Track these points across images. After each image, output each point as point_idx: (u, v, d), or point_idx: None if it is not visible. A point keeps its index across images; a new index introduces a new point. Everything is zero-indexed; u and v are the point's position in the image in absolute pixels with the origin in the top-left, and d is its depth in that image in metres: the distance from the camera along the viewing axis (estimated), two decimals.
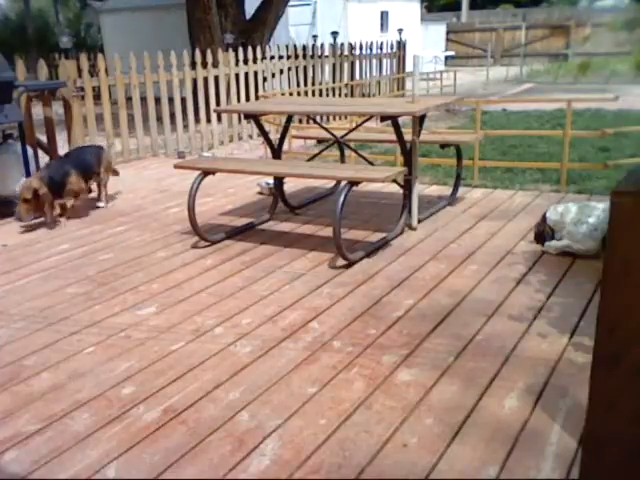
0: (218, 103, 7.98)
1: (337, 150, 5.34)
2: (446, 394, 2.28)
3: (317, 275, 3.46)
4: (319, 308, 3.03)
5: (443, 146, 4.90)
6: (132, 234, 4.29)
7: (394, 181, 3.93)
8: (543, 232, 3.65)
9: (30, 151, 4.98)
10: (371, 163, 4.85)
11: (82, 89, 6.25)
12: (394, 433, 2.07)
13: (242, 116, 8.41)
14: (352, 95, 10.01)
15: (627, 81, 13.19)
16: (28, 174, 4.79)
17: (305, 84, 9.77)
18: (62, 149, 5.64)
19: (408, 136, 3.99)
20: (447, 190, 5.02)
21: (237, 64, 8.46)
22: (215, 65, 8.11)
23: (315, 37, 11.18)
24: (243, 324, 2.89)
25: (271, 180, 4.84)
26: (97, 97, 6.64)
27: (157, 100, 7.27)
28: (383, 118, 6.27)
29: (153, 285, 3.40)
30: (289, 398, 2.29)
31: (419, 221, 4.22)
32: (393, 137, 4.18)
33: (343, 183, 3.58)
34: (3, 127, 4.86)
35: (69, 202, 4.62)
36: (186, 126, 7.86)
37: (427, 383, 2.35)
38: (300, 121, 7.53)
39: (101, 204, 4.99)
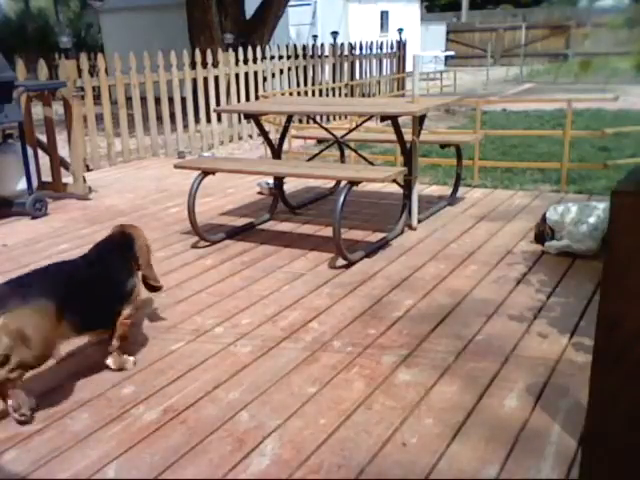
0: (218, 103, 7.98)
1: (337, 150, 5.34)
2: (446, 394, 2.28)
3: (317, 275, 3.46)
4: (319, 308, 3.03)
5: (443, 146, 4.91)
6: None
7: (394, 181, 3.93)
8: (543, 232, 3.66)
9: (30, 151, 4.98)
10: (371, 163, 4.85)
11: (82, 89, 6.24)
12: (394, 433, 2.07)
13: (242, 116, 8.42)
14: (352, 95, 10.00)
15: (627, 81, 13.18)
16: (28, 174, 4.79)
17: (305, 84, 9.77)
18: (62, 149, 5.64)
19: (408, 136, 3.99)
20: (447, 190, 5.02)
21: (237, 64, 8.47)
22: (215, 65, 8.11)
23: (315, 37, 11.16)
24: (243, 324, 2.89)
25: (271, 180, 4.84)
26: (97, 97, 6.64)
27: (157, 100, 7.27)
28: (383, 118, 6.28)
29: None
30: (289, 398, 2.29)
31: (419, 221, 4.22)
32: (393, 137, 4.18)
33: (343, 183, 3.58)
34: (3, 127, 4.86)
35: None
36: (186, 126, 7.86)
37: (427, 383, 2.35)
38: (300, 121, 7.53)
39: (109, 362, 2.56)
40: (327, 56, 10.27)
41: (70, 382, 2.44)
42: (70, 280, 2.32)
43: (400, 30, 12.16)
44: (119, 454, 2.02)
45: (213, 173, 4.05)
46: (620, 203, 1.48)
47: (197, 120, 8.03)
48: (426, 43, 19.96)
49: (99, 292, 2.41)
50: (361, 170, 3.84)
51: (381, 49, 11.55)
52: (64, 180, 5.47)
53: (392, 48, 11.91)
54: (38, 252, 4.01)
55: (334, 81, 10.26)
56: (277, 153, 4.65)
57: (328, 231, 3.94)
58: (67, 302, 2.21)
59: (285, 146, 5.04)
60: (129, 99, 6.93)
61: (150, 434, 2.11)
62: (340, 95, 10.04)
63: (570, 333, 2.69)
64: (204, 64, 7.96)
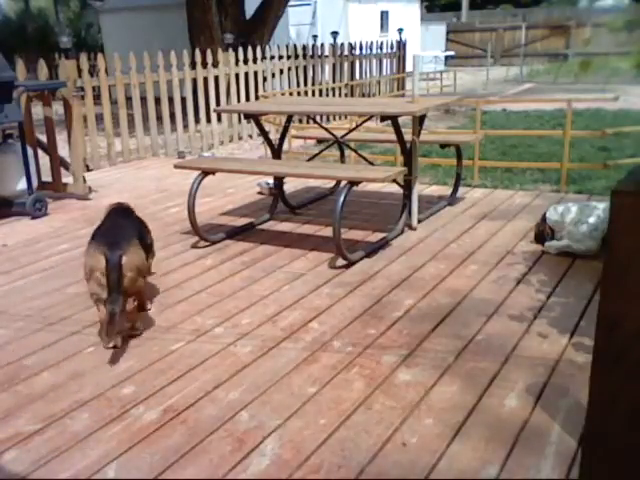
0: (218, 103, 7.98)
1: (337, 150, 5.34)
2: (446, 394, 2.28)
3: (317, 275, 3.46)
4: (319, 308, 3.03)
5: (443, 146, 4.90)
6: None
7: (394, 181, 3.93)
8: (543, 232, 3.66)
9: (30, 151, 4.98)
10: (371, 163, 4.85)
11: (82, 89, 6.24)
12: (394, 433, 2.07)
13: (242, 116, 8.42)
14: (352, 95, 10.01)
15: (627, 81, 13.18)
16: (28, 174, 4.79)
17: (305, 84, 9.77)
18: (62, 149, 5.64)
19: (408, 136, 3.99)
20: (447, 190, 5.02)
21: (237, 64, 8.47)
22: (215, 65, 8.11)
23: (315, 37, 11.16)
24: (243, 324, 2.89)
25: (271, 180, 4.84)
26: (97, 97, 6.64)
27: (157, 100, 7.27)
28: (383, 118, 6.28)
29: (153, 285, 3.39)
30: (289, 398, 2.29)
31: (419, 221, 4.22)
32: (393, 137, 4.18)
33: (343, 183, 3.58)
34: (3, 127, 4.86)
35: None
36: (186, 126, 7.86)
37: (427, 383, 2.35)
38: (300, 121, 7.53)
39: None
40: (327, 56, 10.26)
41: (70, 382, 2.45)
42: (136, 228, 2.98)
43: (400, 30, 12.16)
44: (119, 454, 2.02)
45: (213, 173, 4.05)
46: (620, 203, 1.48)
47: (197, 120, 8.03)
48: (426, 43, 19.96)
49: (146, 241, 2.99)
50: (361, 170, 3.85)
51: (381, 49, 11.55)
52: (64, 180, 5.47)
53: (392, 48, 11.91)
54: (38, 252, 4.01)
55: (334, 81, 10.25)
56: (277, 153, 4.65)
57: (328, 231, 3.94)
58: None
59: (285, 146, 5.05)
60: (129, 99, 6.93)
61: (150, 434, 2.11)
62: (340, 95, 10.04)
63: (570, 333, 2.69)
64: (204, 64, 7.96)
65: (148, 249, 2.98)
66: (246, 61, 8.62)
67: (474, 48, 24.06)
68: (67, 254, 3.95)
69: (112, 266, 2.54)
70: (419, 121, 3.99)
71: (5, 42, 17.20)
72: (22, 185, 4.82)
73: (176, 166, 4.23)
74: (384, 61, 11.70)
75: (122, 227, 2.88)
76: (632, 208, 1.47)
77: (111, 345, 2.68)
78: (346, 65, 10.63)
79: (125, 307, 2.57)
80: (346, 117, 7.61)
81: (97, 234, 2.79)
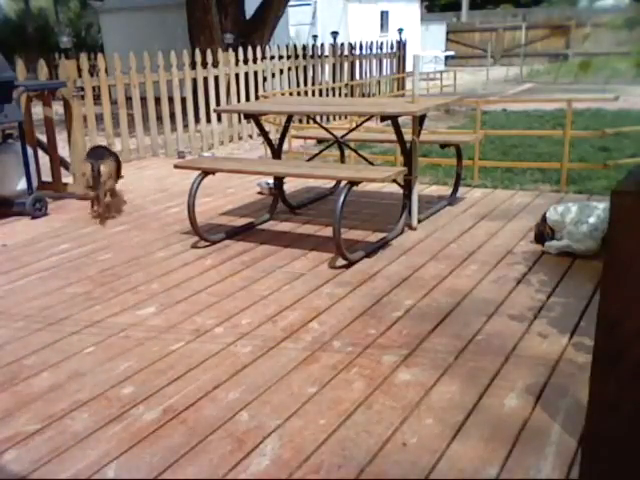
0: (218, 103, 7.98)
1: (337, 150, 5.34)
2: (446, 394, 2.28)
3: (317, 275, 3.46)
4: (319, 308, 3.03)
5: (443, 146, 4.90)
6: (132, 234, 4.29)
7: (394, 181, 3.93)
8: (543, 232, 3.66)
9: (30, 151, 4.98)
10: (371, 163, 4.85)
11: (82, 89, 6.24)
12: (394, 433, 2.07)
13: (242, 116, 8.41)
14: (352, 95, 10.00)
15: (627, 81, 13.19)
16: (28, 174, 4.79)
17: (305, 84, 9.76)
18: (62, 149, 5.64)
19: (408, 136, 3.99)
20: (447, 190, 5.02)
21: (237, 64, 8.46)
22: (215, 65, 8.11)
23: (315, 37, 11.15)
24: (243, 324, 2.89)
25: (271, 180, 4.84)
26: (97, 97, 6.64)
27: (157, 100, 7.27)
28: (383, 118, 6.28)
29: (153, 285, 3.40)
30: (289, 398, 2.29)
31: (419, 221, 4.22)
32: (393, 137, 4.19)
33: (343, 183, 3.58)
34: (3, 127, 4.86)
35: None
36: (186, 126, 7.85)
37: (427, 383, 2.35)
38: (300, 121, 7.52)
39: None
40: (327, 56, 10.26)
41: (70, 382, 2.45)
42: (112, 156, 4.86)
43: (400, 30, 12.15)
44: (119, 454, 2.02)
45: (213, 173, 4.05)
46: (620, 203, 1.48)
47: (197, 120, 8.02)
48: (426, 43, 19.96)
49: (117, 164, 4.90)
50: (361, 170, 3.85)
51: (381, 49, 11.54)
52: (64, 180, 5.47)
53: (392, 48, 11.90)
54: (38, 252, 4.01)
55: (334, 81, 10.25)
56: (277, 153, 4.65)
57: (328, 231, 3.95)
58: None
59: (285, 146, 5.05)
60: (129, 99, 6.93)
61: (150, 434, 2.11)
62: (340, 95, 10.04)
63: (570, 333, 2.69)
64: (204, 64, 7.95)
65: (118, 169, 4.89)
66: (246, 61, 8.61)
67: (474, 48, 24.07)
68: (67, 254, 3.96)
69: (95, 170, 4.49)
70: (419, 121, 3.99)
71: (5, 42, 17.20)
72: (22, 185, 4.83)
73: (176, 166, 4.24)
74: (384, 61, 11.69)
75: (101, 153, 4.72)
76: (632, 208, 1.46)
77: (94, 215, 4.66)
78: (346, 65, 10.62)
79: (103, 194, 4.62)
80: (346, 117, 7.61)
81: (89, 155, 4.69)
